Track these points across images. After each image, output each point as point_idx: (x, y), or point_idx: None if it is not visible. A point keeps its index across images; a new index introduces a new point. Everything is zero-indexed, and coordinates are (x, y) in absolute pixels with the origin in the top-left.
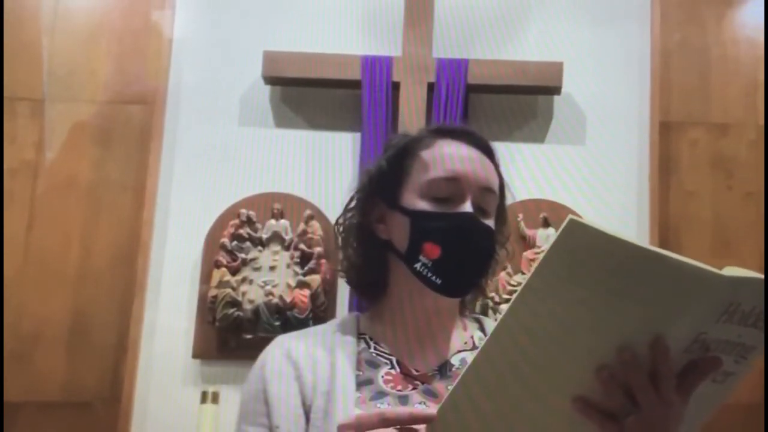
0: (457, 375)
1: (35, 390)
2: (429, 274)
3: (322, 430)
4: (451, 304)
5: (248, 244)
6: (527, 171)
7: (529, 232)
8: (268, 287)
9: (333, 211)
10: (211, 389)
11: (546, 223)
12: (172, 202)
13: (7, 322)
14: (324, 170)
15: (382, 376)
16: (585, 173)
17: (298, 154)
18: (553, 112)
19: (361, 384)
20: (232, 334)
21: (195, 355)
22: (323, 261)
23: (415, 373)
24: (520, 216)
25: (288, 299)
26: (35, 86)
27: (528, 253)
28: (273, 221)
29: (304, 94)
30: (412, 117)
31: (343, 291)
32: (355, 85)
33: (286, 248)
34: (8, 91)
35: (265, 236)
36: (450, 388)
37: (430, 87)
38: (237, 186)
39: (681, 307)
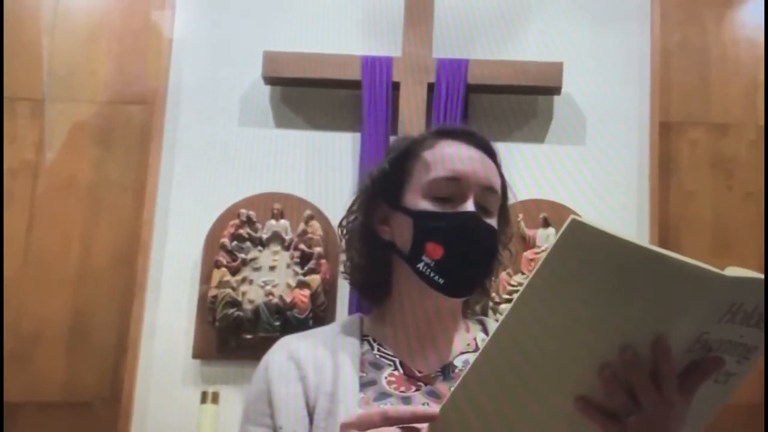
0: (459, 376)
1: (35, 390)
2: (432, 274)
3: (325, 431)
4: (454, 305)
5: (248, 244)
6: (527, 171)
7: (529, 232)
8: (268, 287)
9: (333, 211)
10: (211, 389)
11: (546, 223)
12: (172, 202)
13: (7, 322)
14: (324, 170)
15: (386, 378)
16: (585, 173)
17: (298, 154)
18: (553, 112)
19: (364, 385)
20: (232, 334)
21: (195, 355)
22: (323, 261)
23: (418, 374)
24: (521, 216)
25: (288, 299)
26: (35, 86)
27: (528, 253)
28: (273, 221)
29: (304, 94)
30: (412, 117)
31: (343, 291)
32: (355, 85)
33: (286, 248)
34: (8, 91)
35: (265, 236)
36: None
37: (430, 87)
38: (237, 186)
39: (682, 307)
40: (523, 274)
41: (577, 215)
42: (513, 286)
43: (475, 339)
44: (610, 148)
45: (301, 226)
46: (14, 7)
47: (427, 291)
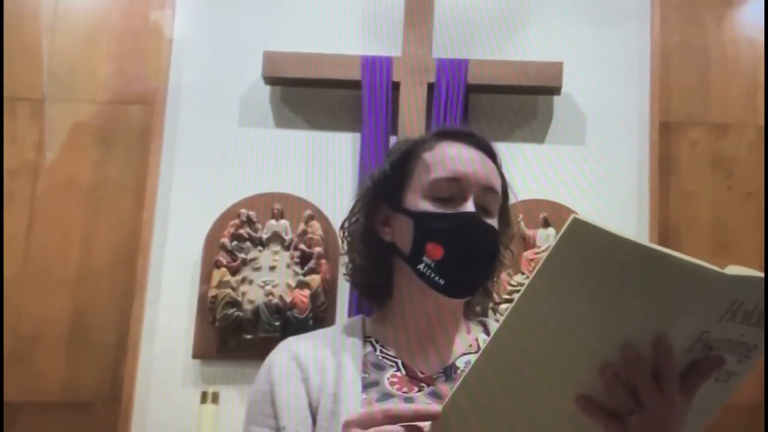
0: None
1: (35, 390)
2: (432, 275)
3: (327, 431)
4: (455, 306)
5: (248, 244)
6: (527, 171)
7: (529, 232)
8: (268, 287)
9: (333, 211)
10: (211, 389)
11: (546, 223)
12: (172, 202)
13: (7, 322)
14: (324, 170)
15: (388, 379)
16: (585, 173)
17: (298, 154)
18: (553, 112)
19: (367, 386)
20: (232, 334)
21: (195, 355)
22: (323, 261)
23: (420, 375)
24: (521, 216)
25: (288, 299)
26: (35, 86)
27: (528, 253)
28: (273, 221)
29: (304, 94)
30: (412, 117)
31: (343, 291)
32: (355, 85)
33: (286, 248)
34: (8, 91)
35: (265, 236)
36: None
37: (430, 87)
38: (237, 186)
39: (684, 305)
40: (523, 274)
41: (578, 215)
42: (513, 286)
43: (476, 340)
44: (610, 148)
45: (301, 226)
46: (14, 7)
47: (427, 292)
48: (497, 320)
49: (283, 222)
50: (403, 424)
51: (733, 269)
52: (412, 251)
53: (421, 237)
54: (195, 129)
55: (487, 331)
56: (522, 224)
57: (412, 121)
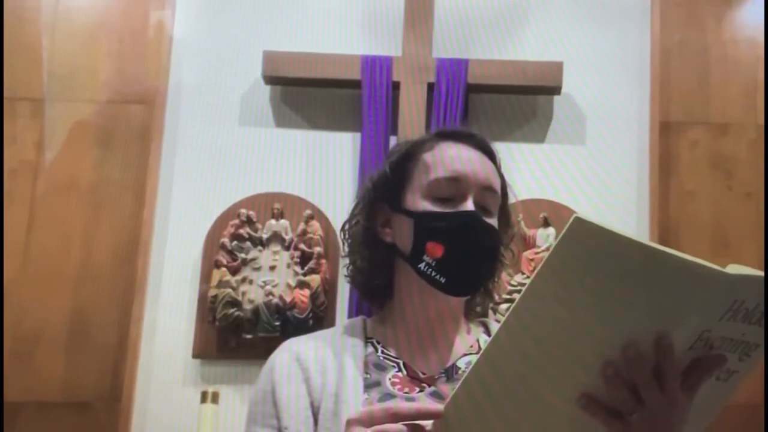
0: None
1: (35, 390)
2: (433, 274)
3: None
4: (455, 306)
5: (248, 244)
6: (527, 171)
7: (529, 231)
8: (268, 287)
9: (333, 211)
10: (211, 389)
11: (546, 223)
12: (172, 202)
13: (7, 322)
14: (324, 170)
15: (390, 379)
16: (585, 173)
17: (298, 154)
18: (552, 112)
19: (368, 386)
20: (232, 334)
21: (195, 355)
22: (323, 261)
23: (421, 375)
24: (521, 216)
25: (288, 299)
26: (35, 86)
27: (528, 253)
28: (273, 221)
29: (304, 94)
30: (412, 117)
31: (344, 291)
32: (355, 85)
33: (286, 248)
34: (8, 91)
35: (265, 236)
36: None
37: (430, 87)
38: (237, 186)
39: (685, 305)
40: (523, 274)
41: (579, 214)
42: (513, 286)
43: (477, 340)
44: (610, 148)
45: (301, 226)
46: (14, 7)
47: (428, 292)
48: (498, 320)
49: (283, 222)
50: (404, 422)
51: (734, 268)
52: (412, 251)
53: (422, 236)
54: (195, 129)
55: (487, 332)
56: (522, 224)
57: (412, 120)
